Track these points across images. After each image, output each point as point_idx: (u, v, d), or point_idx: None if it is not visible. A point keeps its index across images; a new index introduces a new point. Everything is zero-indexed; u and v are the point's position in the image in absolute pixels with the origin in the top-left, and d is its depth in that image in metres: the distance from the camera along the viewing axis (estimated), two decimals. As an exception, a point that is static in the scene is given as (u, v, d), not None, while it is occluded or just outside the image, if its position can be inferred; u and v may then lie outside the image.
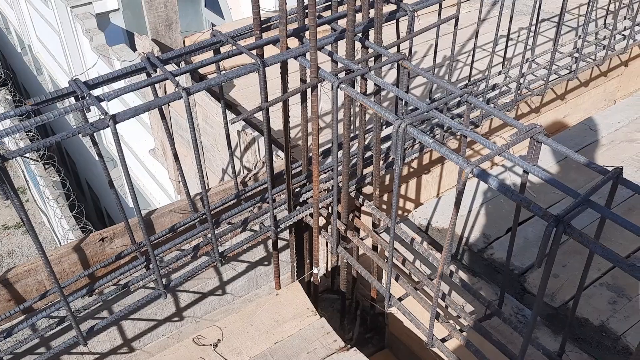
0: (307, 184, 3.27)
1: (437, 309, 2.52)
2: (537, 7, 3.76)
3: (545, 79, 4.05)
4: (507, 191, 1.84)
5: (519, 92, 3.99)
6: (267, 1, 7.38)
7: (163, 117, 2.70)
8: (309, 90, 2.62)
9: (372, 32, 2.73)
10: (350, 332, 3.89)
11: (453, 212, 1.98)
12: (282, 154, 3.43)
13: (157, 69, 2.43)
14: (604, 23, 4.90)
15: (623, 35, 4.68)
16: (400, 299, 2.72)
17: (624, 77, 5.47)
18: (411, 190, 3.94)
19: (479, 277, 3.10)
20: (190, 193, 3.07)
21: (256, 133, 3.73)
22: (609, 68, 5.10)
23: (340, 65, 2.56)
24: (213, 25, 9.53)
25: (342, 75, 2.58)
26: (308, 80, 2.57)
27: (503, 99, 3.99)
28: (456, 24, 3.13)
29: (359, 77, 2.61)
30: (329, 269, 4.21)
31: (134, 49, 9.61)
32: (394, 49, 2.76)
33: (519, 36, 5.13)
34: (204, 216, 3.06)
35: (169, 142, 2.80)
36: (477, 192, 3.56)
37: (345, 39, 2.55)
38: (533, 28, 3.84)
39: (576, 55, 4.25)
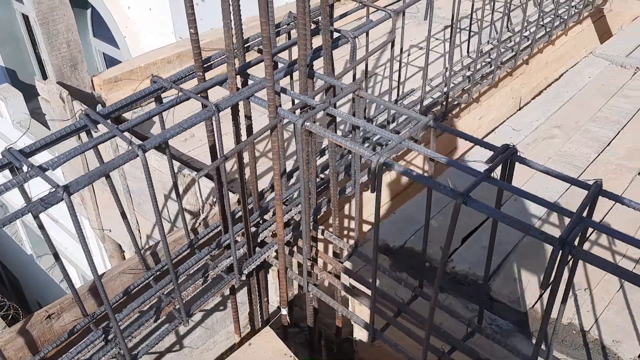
0: (261, 222, 3.13)
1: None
2: (454, 20, 3.88)
3: (468, 86, 4.19)
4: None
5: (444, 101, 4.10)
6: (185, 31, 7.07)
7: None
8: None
9: (315, 63, 2.67)
10: (317, 364, 3.79)
11: (448, 233, 1.95)
12: (231, 195, 3.26)
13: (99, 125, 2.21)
14: (507, 26, 5.17)
15: (527, 37, 4.96)
16: (382, 330, 2.66)
17: (526, 74, 5.80)
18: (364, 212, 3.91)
19: (446, 292, 3.12)
20: (123, 245, 2.83)
21: (195, 173, 3.53)
22: (514, 67, 5.39)
23: (296, 101, 2.46)
24: (105, 56, 9.03)
25: (297, 112, 2.49)
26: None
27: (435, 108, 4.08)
28: (393, 46, 3.14)
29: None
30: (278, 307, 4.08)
31: (17, 86, 8.88)
32: (345, 79, 2.71)
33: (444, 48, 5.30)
34: (158, 273, 2.84)
35: (115, 200, 2.56)
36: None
37: (297, 72, 2.46)
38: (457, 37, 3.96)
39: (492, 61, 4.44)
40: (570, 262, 1.99)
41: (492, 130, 4.72)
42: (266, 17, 2.09)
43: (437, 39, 5.60)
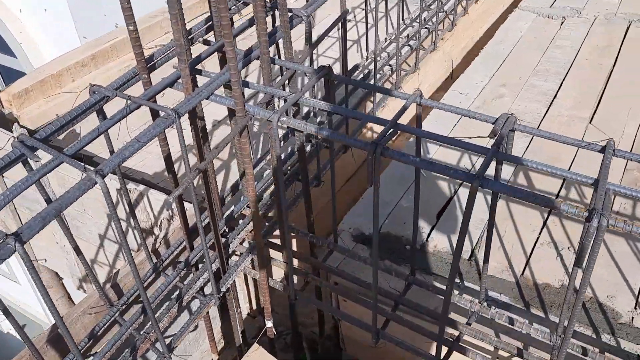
0: (228, 231, 2.85)
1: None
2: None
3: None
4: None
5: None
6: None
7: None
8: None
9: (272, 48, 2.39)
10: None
11: (461, 228, 1.78)
12: (189, 206, 2.94)
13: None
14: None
15: (457, -1, 4.87)
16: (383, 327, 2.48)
17: (455, 36, 5.74)
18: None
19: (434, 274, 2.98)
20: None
21: (142, 187, 3.17)
22: (450, 30, 5.30)
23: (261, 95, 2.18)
24: (2, 68, 8.20)
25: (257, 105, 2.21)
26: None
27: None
28: (345, 22, 2.90)
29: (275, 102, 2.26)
30: (253, 308, 3.83)
31: None
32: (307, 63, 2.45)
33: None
34: (124, 307, 2.50)
35: (66, 236, 2.19)
36: (407, 188, 3.45)
37: (260, 61, 2.18)
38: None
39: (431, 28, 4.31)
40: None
41: (435, 96, 4.63)
42: (224, 2, 1.79)
43: (362, 9, 5.41)
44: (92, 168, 1.74)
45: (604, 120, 3.89)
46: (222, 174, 3.53)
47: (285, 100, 2.07)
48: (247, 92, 3.79)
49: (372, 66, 4.05)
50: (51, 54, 6.54)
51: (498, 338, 2.50)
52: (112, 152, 2.16)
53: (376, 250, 2.11)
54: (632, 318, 2.69)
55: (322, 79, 2.21)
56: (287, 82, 2.35)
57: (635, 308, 2.71)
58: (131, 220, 2.54)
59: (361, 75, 3.83)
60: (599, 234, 1.58)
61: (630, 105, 4.01)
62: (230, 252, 2.76)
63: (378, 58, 4.00)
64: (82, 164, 1.74)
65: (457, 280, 2.89)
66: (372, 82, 3.75)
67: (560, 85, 4.28)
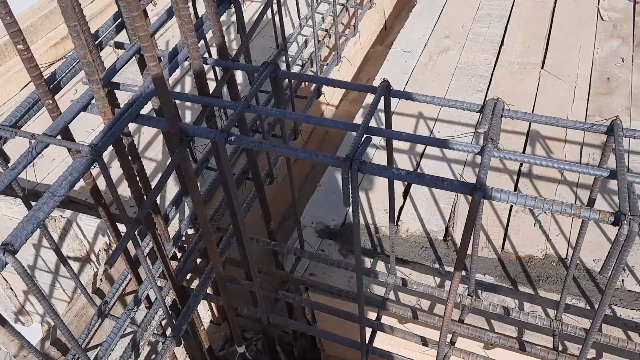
0: (178, 254, 2.49)
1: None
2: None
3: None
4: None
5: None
6: None
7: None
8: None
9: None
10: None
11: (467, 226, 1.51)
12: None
13: None
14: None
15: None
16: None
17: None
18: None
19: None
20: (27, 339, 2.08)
21: (68, 212, 2.74)
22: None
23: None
24: None
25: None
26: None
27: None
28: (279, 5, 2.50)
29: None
30: (216, 316, 3.53)
31: None
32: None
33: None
34: (71, 366, 2.13)
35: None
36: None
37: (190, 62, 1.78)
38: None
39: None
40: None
41: (372, 52, 4.30)
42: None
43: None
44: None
45: (557, 64, 3.70)
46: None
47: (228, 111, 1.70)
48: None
49: (306, 36, 3.67)
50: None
51: (494, 332, 2.31)
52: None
53: (360, 269, 1.82)
54: (623, 281, 2.57)
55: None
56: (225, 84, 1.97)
57: (623, 269, 2.58)
58: (64, 265, 2.13)
59: (301, 53, 3.45)
60: (630, 240, 1.35)
61: (579, 43, 3.84)
62: (185, 277, 2.41)
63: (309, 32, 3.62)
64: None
65: (436, 265, 2.67)
66: (313, 53, 3.38)
67: (505, 30, 4.04)
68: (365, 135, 1.59)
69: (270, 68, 1.81)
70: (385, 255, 2.70)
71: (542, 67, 3.69)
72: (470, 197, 1.45)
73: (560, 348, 2.30)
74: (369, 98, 3.45)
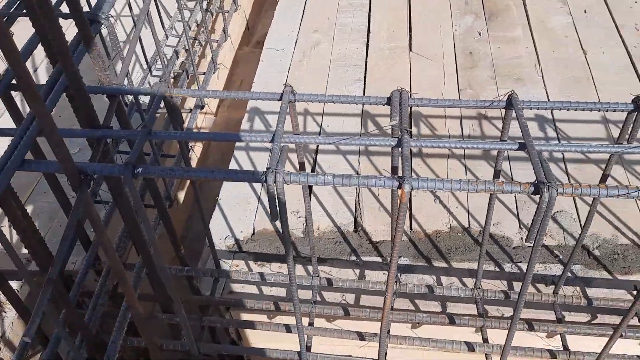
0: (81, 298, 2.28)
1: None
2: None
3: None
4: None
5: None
6: None
7: None
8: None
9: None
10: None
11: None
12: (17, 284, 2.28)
13: None
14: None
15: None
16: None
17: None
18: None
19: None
20: None
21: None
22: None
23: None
24: None
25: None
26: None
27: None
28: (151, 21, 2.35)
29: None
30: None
31: None
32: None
33: None
34: None
35: None
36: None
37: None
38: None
39: None
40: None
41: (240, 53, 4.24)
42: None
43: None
44: None
45: (422, 45, 3.87)
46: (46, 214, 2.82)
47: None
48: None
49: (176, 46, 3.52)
50: None
51: (423, 312, 2.38)
52: None
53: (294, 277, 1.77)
54: (522, 238, 2.76)
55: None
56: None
57: (520, 228, 2.78)
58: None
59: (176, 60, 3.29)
60: (550, 206, 1.43)
61: (438, 23, 4.05)
62: (96, 325, 2.21)
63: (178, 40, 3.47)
64: None
65: (353, 257, 2.70)
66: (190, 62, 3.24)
67: (369, 18, 4.16)
68: (282, 144, 1.54)
69: (161, 91, 1.69)
70: (302, 258, 2.67)
71: (410, 50, 3.85)
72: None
73: (483, 312, 2.43)
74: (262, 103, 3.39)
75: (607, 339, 2.06)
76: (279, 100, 1.69)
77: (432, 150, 3.14)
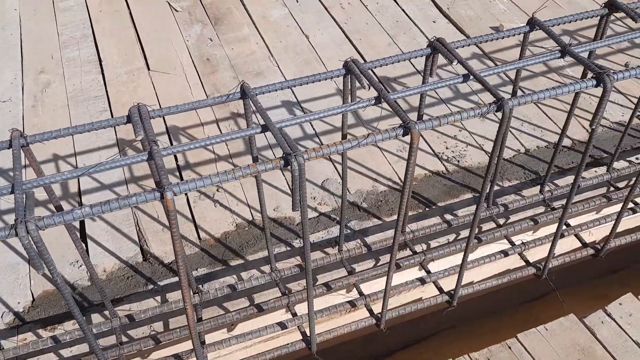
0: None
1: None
2: None
3: None
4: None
5: None
6: None
7: None
8: None
9: None
10: None
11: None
12: None
13: None
14: None
15: None
16: None
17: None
18: None
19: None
20: None
21: None
22: None
23: None
24: None
25: None
26: None
27: None
28: None
29: None
30: None
31: None
32: None
33: None
34: None
35: None
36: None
37: None
38: None
39: None
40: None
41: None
42: None
43: None
44: None
45: (159, 62, 3.87)
46: None
47: None
48: None
49: None
50: None
51: (231, 312, 2.42)
52: None
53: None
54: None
55: None
56: None
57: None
58: None
59: None
60: (302, 173, 1.57)
61: (169, 38, 4.08)
62: None
63: None
64: None
65: (151, 286, 2.62)
66: None
67: (97, 46, 4.01)
68: (26, 191, 1.44)
69: None
70: (97, 305, 2.51)
71: (149, 69, 3.82)
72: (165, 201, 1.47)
73: (285, 291, 2.56)
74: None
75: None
76: (9, 149, 1.57)
77: (198, 159, 3.18)
